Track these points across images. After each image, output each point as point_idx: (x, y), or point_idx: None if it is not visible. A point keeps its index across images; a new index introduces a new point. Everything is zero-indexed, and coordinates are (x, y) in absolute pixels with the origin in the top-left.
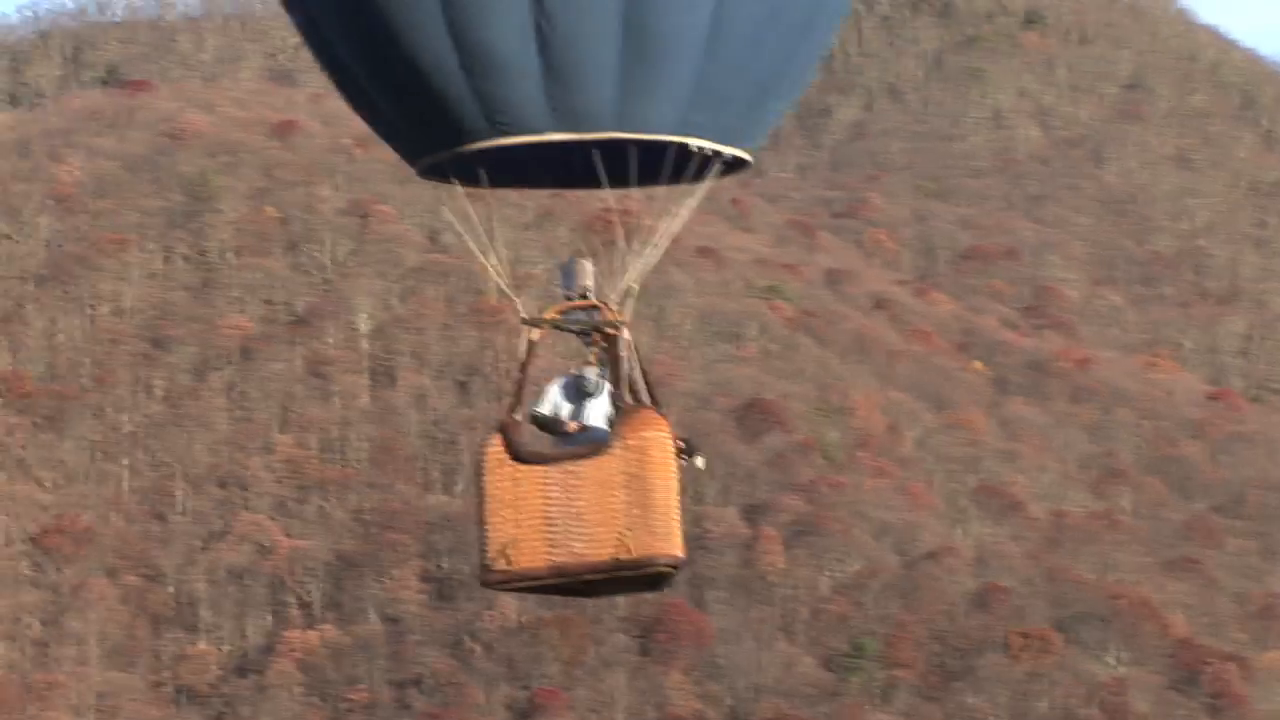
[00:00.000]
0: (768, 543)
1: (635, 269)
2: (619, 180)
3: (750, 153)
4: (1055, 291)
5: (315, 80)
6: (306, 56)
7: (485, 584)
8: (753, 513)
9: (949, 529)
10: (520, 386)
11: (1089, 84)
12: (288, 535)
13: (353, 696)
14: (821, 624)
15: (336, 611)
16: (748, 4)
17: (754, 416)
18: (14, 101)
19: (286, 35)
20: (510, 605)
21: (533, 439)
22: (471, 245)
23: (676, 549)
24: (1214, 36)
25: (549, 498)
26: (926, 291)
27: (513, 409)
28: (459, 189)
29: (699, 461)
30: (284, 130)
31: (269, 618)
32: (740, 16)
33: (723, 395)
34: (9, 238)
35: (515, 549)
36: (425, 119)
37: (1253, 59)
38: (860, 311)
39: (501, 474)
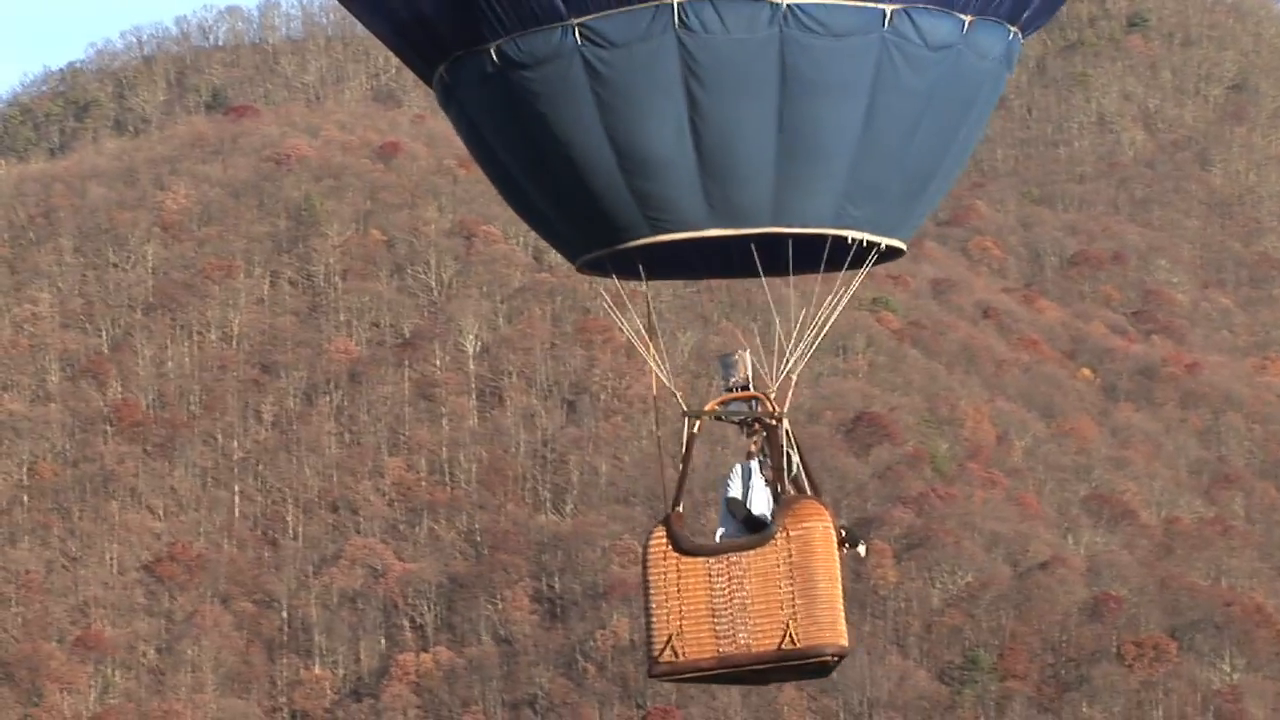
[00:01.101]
0: (879, 556)
1: (794, 359)
2: (775, 270)
3: (905, 241)
4: (1163, 295)
5: (419, 100)
6: (409, 76)
7: (653, 675)
8: (863, 526)
9: (1060, 538)
10: (683, 479)
11: (1193, 86)
12: (399, 558)
13: (467, 718)
14: (934, 636)
15: (449, 633)
16: (902, 98)
17: (862, 429)
18: (119, 127)
19: (389, 55)
20: (623, 624)
21: (694, 532)
22: (631, 338)
23: (841, 638)
24: None
25: (714, 589)
26: (1034, 299)
27: (676, 501)
28: (615, 282)
29: (861, 550)
30: (388, 152)
31: (382, 641)
32: (894, 111)
33: (831, 409)
34: (117, 266)
35: (681, 640)
36: (585, 219)
37: None
38: (967, 321)
39: (666, 566)
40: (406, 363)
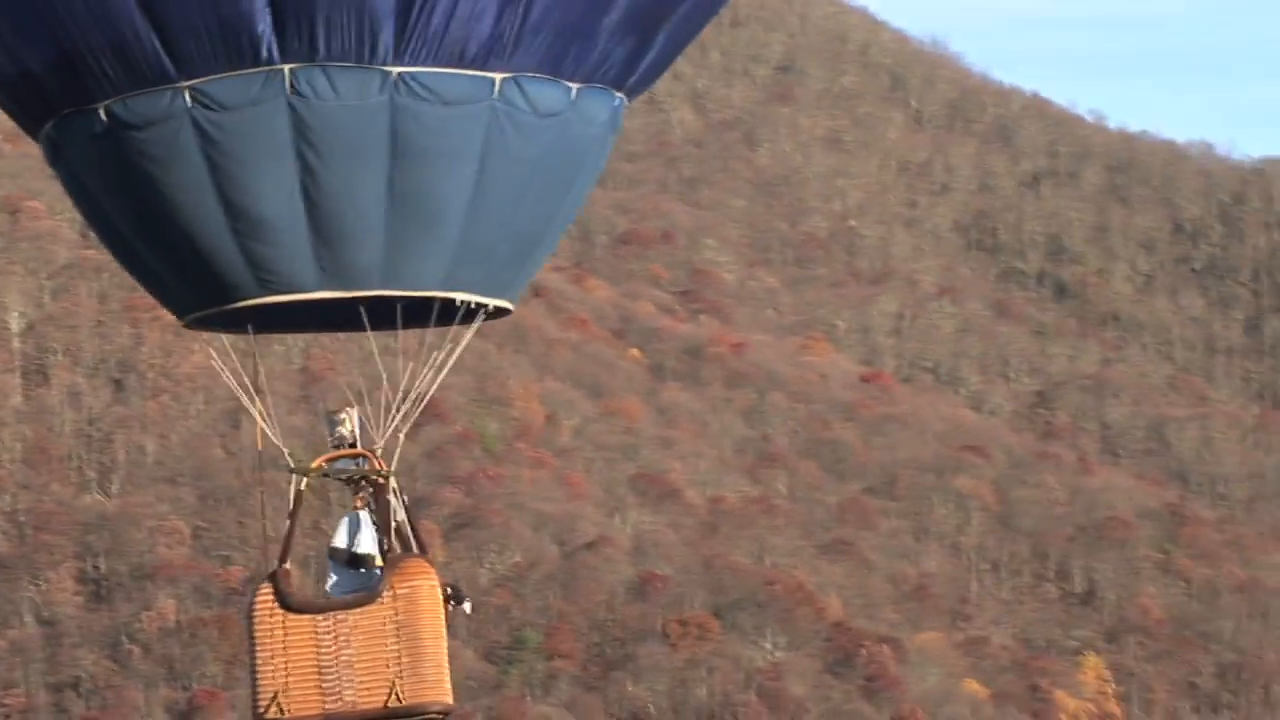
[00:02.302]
0: (427, 536)
1: (401, 416)
2: (384, 325)
3: (513, 301)
4: (711, 275)
5: None
6: None
7: None
8: (412, 507)
9: (607, 518)
10: (289, 535)
11: (741, 66)
12: None
13: (9, 701)
14: (482, 617)
15: None
16: (511, 165)
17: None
18: None
19: None
20: (169, 605)
21: (301, 588)
22: (240, 396)
23: (446, 695)
24: (863, 17)
25: (320, 646)
26: (583, 278)
27: (283, 558)
28: (224, 341)
29: (466, 607)
30: None
31: None
32: (504, 177)
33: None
34: None
35: (287, 697)
36: (195, 277)
37: (901, 39)
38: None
39: (272, 622)
40: None
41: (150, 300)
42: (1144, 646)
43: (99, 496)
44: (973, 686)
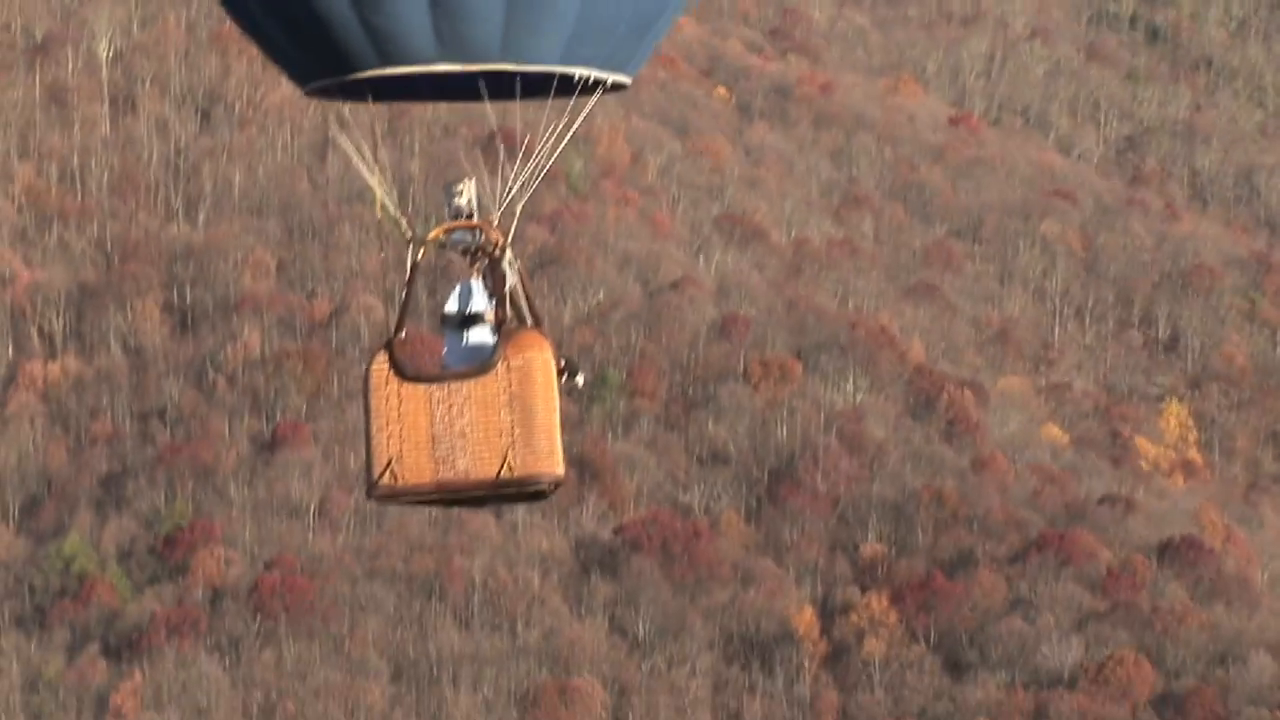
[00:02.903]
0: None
1: (519, 188)
2: (502, 96)
3: (631, 76)
4: (800, 14)
5: None
6: None
7: (371, 497)
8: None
9: (692, 258)
10: (405, 305)
11: None
12: (27, 265)
13: (95, 429)
14: (564, 353)
15: (78, 342)
16: None
17: (497, 146)
18: None
19: None
20: (254, 337)
21: (415, 358)
22: (360, 166)
23: (558, 467)
24: None
25: (435, 415)
26: None
27: (399, 327)
28: (345, 114)
29: (579, 380)
30: None
31: (10, 349)
32: None
33: (466, 124)
34: None
35: (401, 465)
36: (316, 48)
37: None
38: None
39: (387, 391)
40: (38, 66)
41: (238, 30)
42: (1227, 395)
43: (185, 227)
44: (1053, 432)
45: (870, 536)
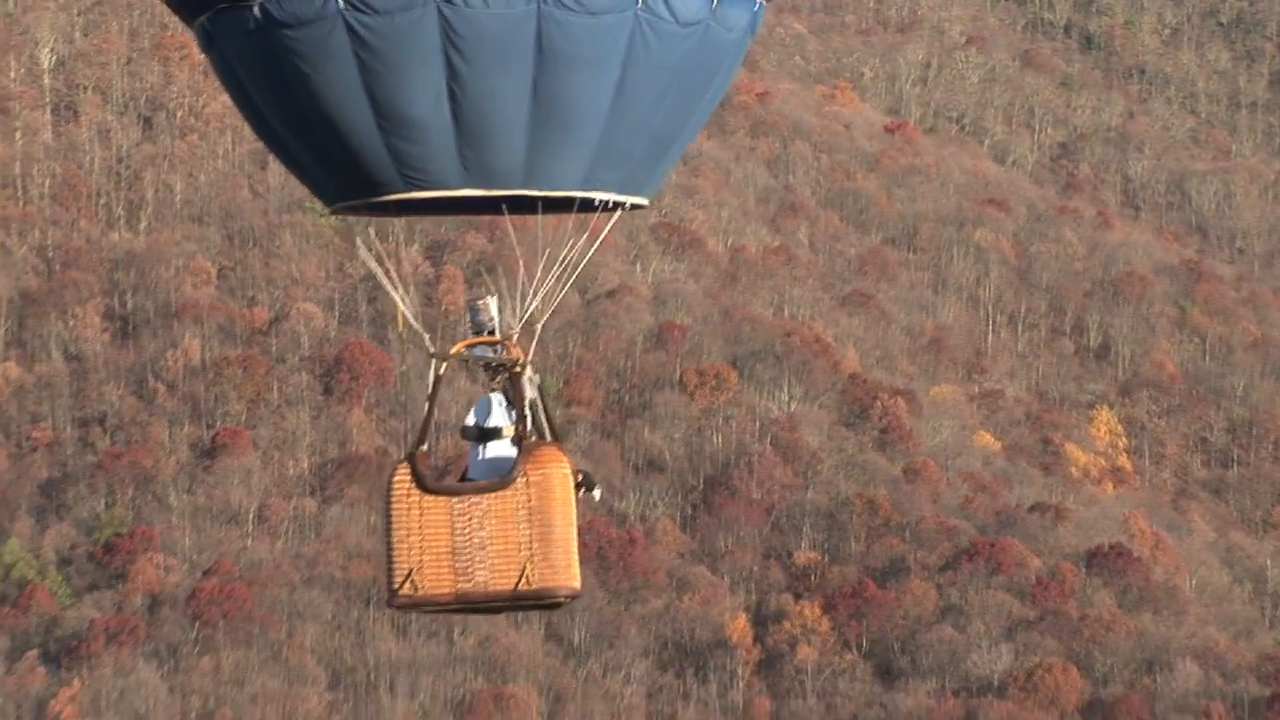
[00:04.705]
0: (449, 282)
1: (539, 305)
2: (522, 211)
3: (649, 198)
4: None
5: None
6: None
7: (391, 606)
8: (435, 250)
9: (628, 267)
10: (428, 419)
11: None
12: None
13: (36, 435)
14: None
15: (19, 349)
16: (651, 72)
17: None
18: None
19: None
20: (194, 344)
21: (438, 472)
22: (383, 281)
23: (574, 580)
24: None
25: (455, 528)
26: None
27: (421, 440)
28: (373, 239)
29: (596, 494)
30: None
31: None
32: (643, 83)
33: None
34: None
35: (421, 575)
36: (343, 172)
37: None
38: None
39: (409, 502)
40: None
41: (180, 38)
42: (1156, 402)
43: (126, 234)
44: (985, 439)
45: (804, 544)
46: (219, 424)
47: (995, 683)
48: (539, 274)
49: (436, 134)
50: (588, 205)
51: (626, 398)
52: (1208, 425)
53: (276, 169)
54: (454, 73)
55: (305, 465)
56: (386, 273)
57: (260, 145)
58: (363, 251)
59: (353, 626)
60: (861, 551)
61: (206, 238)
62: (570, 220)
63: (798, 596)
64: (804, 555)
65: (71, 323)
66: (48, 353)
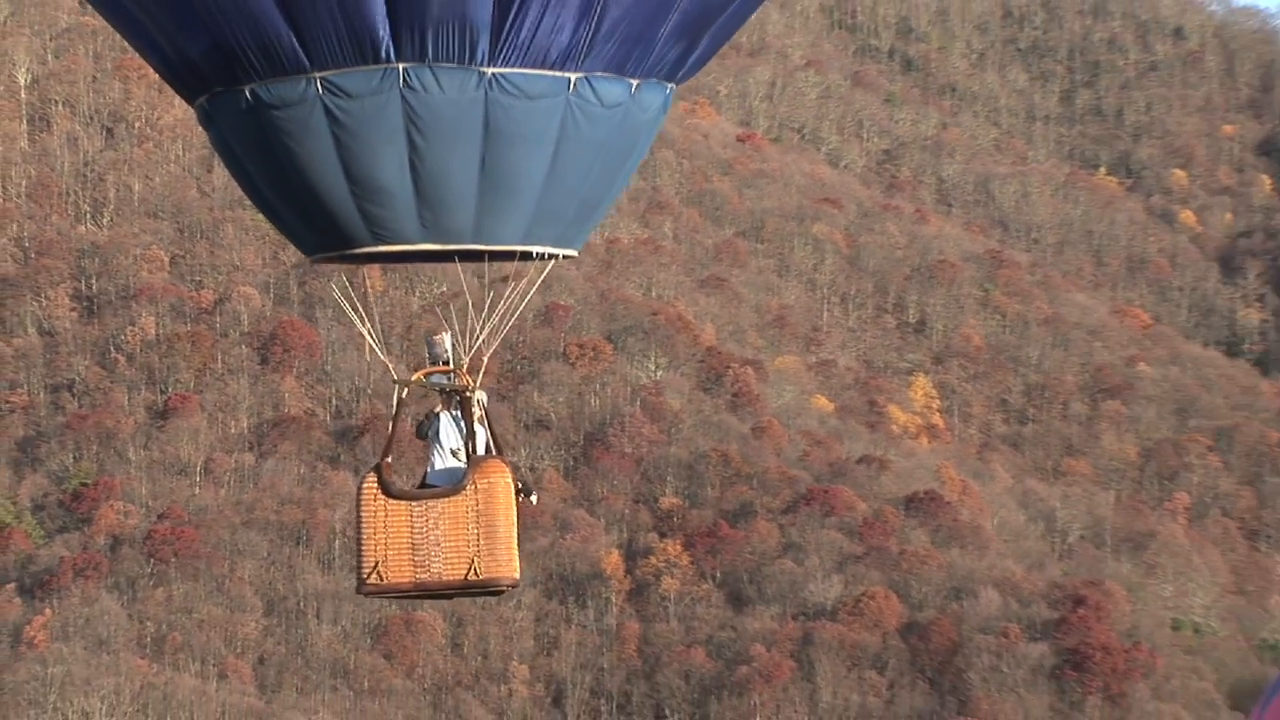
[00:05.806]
0: (368, 270)
1: (485, 340)
2: (473, 261)
3: (576, 250)
4: None
5: None
6: None
7: (360, 593)
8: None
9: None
10: (392, 434)
11: None
12: None
13: (13, 399)
14: (412, 337)
15: None
16: (581, 147)
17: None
18: None
19: None
20: (150, 323)
21: (401, 479)
22: (354, 318)
23: (515, 572)
24: None
25: (414, 527)
26: None
27: (386, 453)
28: (345, 284)
29: (533, 499)
30: None
31: None
32: (574, 156)
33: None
34: None
35: (385, 567)
36: (321, 228)
37: None
38: None
39: (376, 506)
40: None
41: (138, 60)
42: (965, 369)
43: (92, 228)
44: (821, 401)
45: (668, 491)
46: (171, 390)
47: (829, 608)
48: (484, 312)
49: (400, 199)
50: (527, 256)
51: (519, 367)
52: (1007, 389)
53: (221, 172)
54: (415, 148)
55: (245, 425)
56: (361, 320)
57: (207, 150)
58: (338, 296)
59: (285, 562)
60: (716, 497)
61: (161, 230)
62: (512, 268)
63: (662, 535)
64: (668, 500)
65: (44, 303)
66: (24, 329)
